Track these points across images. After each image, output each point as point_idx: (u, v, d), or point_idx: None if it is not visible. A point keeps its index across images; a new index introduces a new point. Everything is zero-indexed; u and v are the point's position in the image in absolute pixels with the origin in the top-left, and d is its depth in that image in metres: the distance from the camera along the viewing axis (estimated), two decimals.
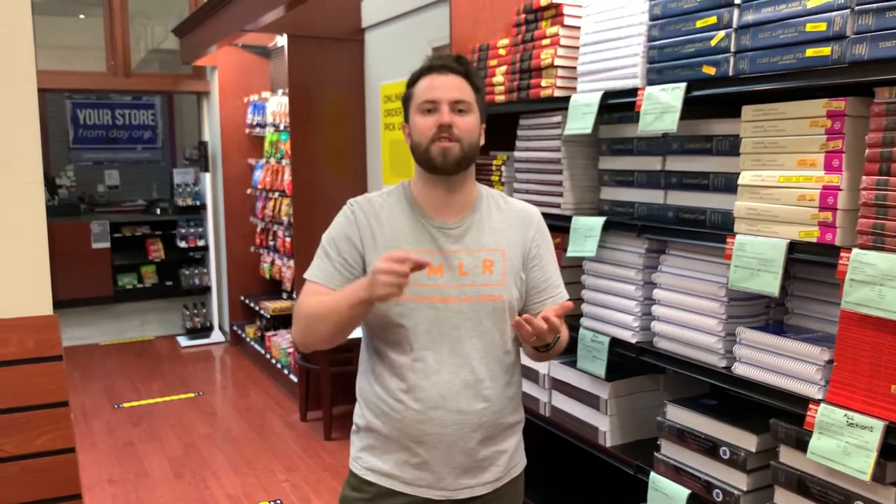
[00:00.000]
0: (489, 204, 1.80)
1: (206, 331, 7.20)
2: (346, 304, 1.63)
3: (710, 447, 1.74)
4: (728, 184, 1.71)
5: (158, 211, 9.26)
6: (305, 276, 1.80)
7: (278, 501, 3.85)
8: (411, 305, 1.69)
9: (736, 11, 1.62)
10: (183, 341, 7.12)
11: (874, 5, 1.35)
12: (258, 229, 6.62)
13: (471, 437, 1.71)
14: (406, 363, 1.70)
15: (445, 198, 1.74)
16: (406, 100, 1.77)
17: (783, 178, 1.56)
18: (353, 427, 1.85)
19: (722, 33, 1.65)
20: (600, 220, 2.02)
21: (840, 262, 1.41)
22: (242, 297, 6.79)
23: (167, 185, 9.90)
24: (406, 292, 1.67)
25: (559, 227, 2.18)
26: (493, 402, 1.73)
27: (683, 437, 1.81)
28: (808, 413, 1.48)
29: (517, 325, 1.59)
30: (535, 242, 1.80)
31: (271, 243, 6.34)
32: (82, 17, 8.73)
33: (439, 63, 1.72)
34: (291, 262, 5.76)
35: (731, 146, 1.71)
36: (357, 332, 1.78)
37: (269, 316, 6.08)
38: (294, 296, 5.47)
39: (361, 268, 1.74)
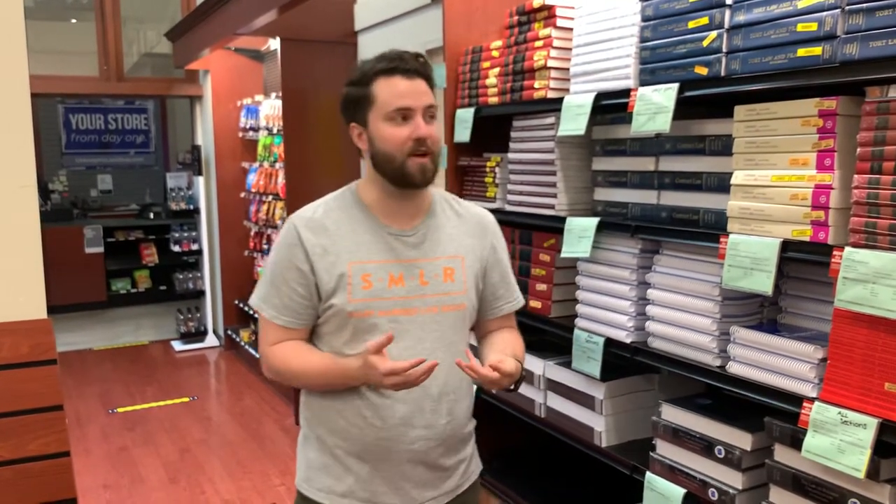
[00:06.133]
0: (444, 208, 1.74)
1: (200, 335, 7.18)
2: (340, 378, 1.61)
3: (705, 446, 1.75)
4: (721, 184, 1.72)
5: (152, 215, 9.24)
6: (257, 306, 1.69)
7: None
8: (372, 321, 1.61)
9: (728, 12, 1.63)
10: (177, 346, 7.10)
11: (864, 5, 1.36)
12: (252, 233, 6.61)
13: (435, 451, 1.67)
14: None
15: (401, 204, 1.67)
16: (361, 100, 1.62)
17: (776, 178, 1.56)
18: (301, 446, 1.77)
19: (714, 34, 1.66)
20: (594, 221, 2.02)
21: (833, 260, 1.42)
22: (237, 301, 6.78)
23: (160, 190, 9.89)
24: (366, 307, 1.60)
25: (553, 228, 2.18)
26: (455, 414, 1.69)
27: (679, 436, 1.81)
28: (803, 411, 1.48)
29: (468, 369, 1.54)
30: (493, 248, 1.78)
31: (265, 247, 6.33)
32: (74, 21, 8.71)
33: (406, 66, 1.61)
34: None
35: (723, 146, 1.72)
36: None
37: None
38: None
39: (315, 294, 1.64)
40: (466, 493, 1.78)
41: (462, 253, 1.71)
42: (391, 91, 1.59)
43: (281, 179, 5.60)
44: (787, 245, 1.53)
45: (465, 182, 2.59)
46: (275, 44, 5.65)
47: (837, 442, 1.42)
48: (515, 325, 1.88)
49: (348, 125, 1.69)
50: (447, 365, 1.62)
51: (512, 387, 1.65)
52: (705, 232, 1.73)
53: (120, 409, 5.44)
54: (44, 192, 9.21)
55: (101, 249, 8.76)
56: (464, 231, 1.74)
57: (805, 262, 1.62)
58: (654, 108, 1.77)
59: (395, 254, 1.64)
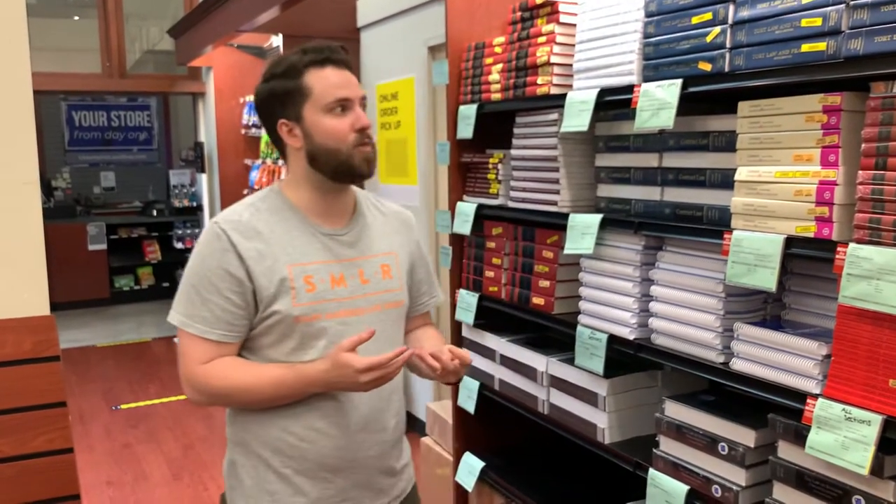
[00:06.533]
0: (368, 206, 1.72)
1: None
2: (298, 387, 1.51)
3: (708, 443, 1.74)
4: (725, 180, 1.71)
5: (155, 212, 9.26)
6: (180, 324, 1.55)
7: None
8: (320, 325, 1.55)
9: (731, 7, 1.62)
10: None
11: (869, 0, 1.35)
12: None
13: (390, 455, 1.65)
14: None
15: (332, 203, 1.62)
16: (292, 94, 1.55)
17: (780, 174, 1.56)
18: (230, 473, 1.65)
19: (717, 29, 1.65)
20: (597, 218, 2.02)
21: (837, 256, 1.42)
22: None
23: (163, 187, 9.91)
24: (312, 311, 1.54)
25: (556, 224, 2.18)
26: (400, 412, 1.69)
27: (682, 433, 1.81)
28: (807, 408, 1.48)
29: (422, 359, 1.56)
30: (416, 244, 1.79)
31: None
32: (77, 18, 8.71)
33: (337, 56, 1.57)
34: None
35: (727, 142, 1.71)
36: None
37: None
38: None
39: (252, 302, 1.53)
40: (410, 496, 1.77)
41: (395, 249, 1.70)
42: (328, 82, 1.54)
43: (283, 176, 5.60)
44: (791, 241, 1.53)
45: (468, 178, 2.58)
46: (277, 40, 5.64)
47: (841, 438, 1.41)
48: (433, 322, 1.90)
49: (273, 122, 1.60)
50: None
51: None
52: (709, 228, 1.73)
53: (123, 406, 5.45)
54: (47, 189, 9.23)
55: (104, 246, 8.78)
56: (391, 228, 1.73)
57: (809, 259, 1.62)
58: (658, 104, 1.76)
59: (333, 254, 1.59)
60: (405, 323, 1.81)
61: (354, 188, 1.70)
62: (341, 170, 1.57)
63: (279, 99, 1.57)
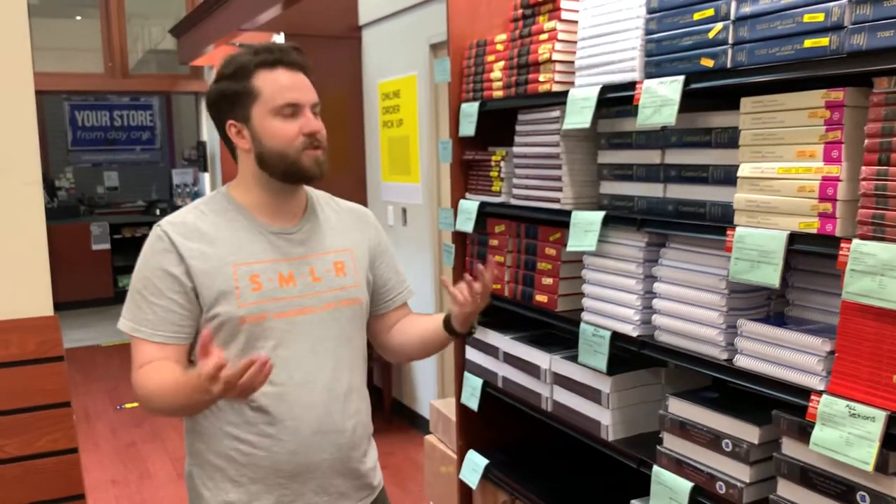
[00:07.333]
0: (321, 204, 1.71)
1: None
2: (190, 391, 1.37)
3: (712, 440, 1.74)
4: (727, 176, 1.71)
5: (158, 212, 9.27)
6: (130, 330, 1.54)
7: None
8: (267, 325, 1.52)
9: (733, 3, 1.62)
10: None
11: None
12: None
13: (350, 457, 1.62)
14: (269, 391, 1.48)
15: (282, 203, 1.60)
16: (241, 95, 1.53)
17: (783, 170, 1.55)
18: (189, 485, 1.62)
19: (719, 25, 1.64)
20: (600, 215, 2.02)
21: (840, 252, 1.41)
22: None
23: (166, 186, 9.92)
24: (259, 311, 1.51)
25: (559, 221, 2.18)
26: (361, 413, 1.66)
27: (686, 430, 1.81)
28: (810, 404, 1.48)
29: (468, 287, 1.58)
30: (377, 239, 1.77)
31: None
32: (79, 18, 8.73)
33: (289, 58, 1.54)
34: None
35: (730, 138, 1.71)
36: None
37: None
38: None
39: (196, 303, 1.51)
40: (378, 500, 1.75)
41: (350, 246, 1.68)
42: (277, 84, 1.52)
43: None
44: (794, 237, 1.52)
45: (470, 176, 2.58)
46: (279, 39, 5.64)
47: (846, 435, 1.41)
48: (413, 312, 1.89)
49: (223, 123, 1.58)
50: (349, 362, 1.61)
51: (473, 329, 1.72)
52: (712, 225, 1.72)
53: (128, 405, 5.46)
54: (50, 189, 9.25)
55: (107, 246, 8.80)
56: (347, 225, 1.71)
57: (812, 255, 1.62)
58: (660, 100, 1.76)
59: (282, 252, 1.57)
60: (387, 319, 1.80)
61: (307, 187, 1.69)
62: (291, 171, 1.55)
63: (228, 100, 1.55)
